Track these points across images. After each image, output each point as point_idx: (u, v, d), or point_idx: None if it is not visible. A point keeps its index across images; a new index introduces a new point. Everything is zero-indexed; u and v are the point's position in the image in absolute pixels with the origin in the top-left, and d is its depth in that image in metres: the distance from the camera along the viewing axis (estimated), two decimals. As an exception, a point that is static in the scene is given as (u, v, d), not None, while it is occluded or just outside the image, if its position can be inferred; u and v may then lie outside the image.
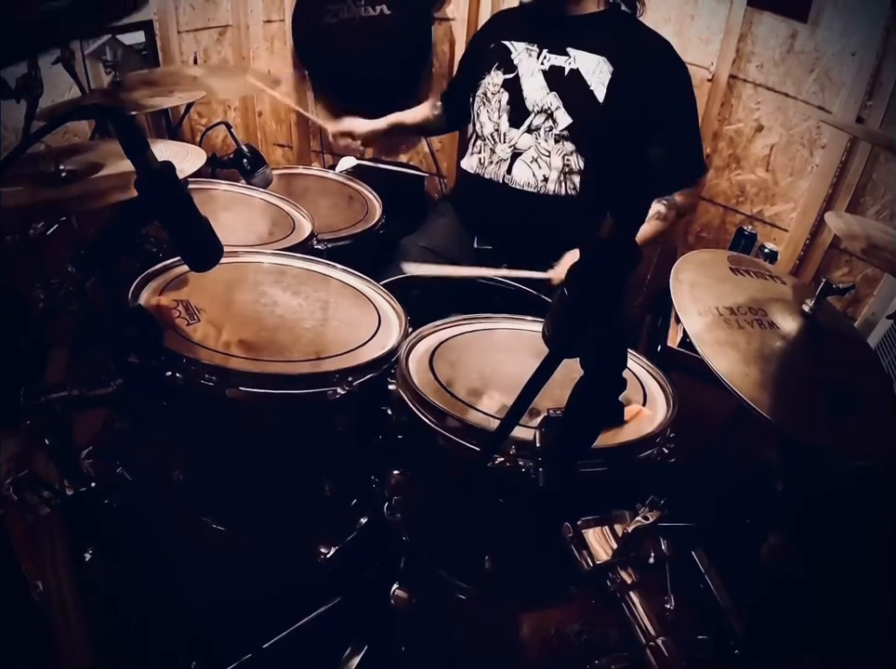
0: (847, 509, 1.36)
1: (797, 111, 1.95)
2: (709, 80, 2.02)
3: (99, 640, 1.14)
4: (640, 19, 1.75)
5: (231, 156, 1.77)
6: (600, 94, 1.63)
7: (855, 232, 1.20)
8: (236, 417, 1.13)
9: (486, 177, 1.77)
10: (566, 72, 1.65)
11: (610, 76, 1.62)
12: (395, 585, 1.13)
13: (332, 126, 2.03)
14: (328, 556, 1.20)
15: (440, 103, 2.06)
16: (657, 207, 1.69)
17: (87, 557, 1.20)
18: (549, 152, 1.68)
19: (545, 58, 1.68)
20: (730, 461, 1.39)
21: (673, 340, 1.72)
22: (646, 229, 1.68)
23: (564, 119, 1.65)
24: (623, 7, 1.73)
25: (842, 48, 1.82)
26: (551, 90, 1.66)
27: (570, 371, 0.71)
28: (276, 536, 1.25)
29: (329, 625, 1.23)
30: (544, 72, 1.67)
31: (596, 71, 1.63)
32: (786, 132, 1.99)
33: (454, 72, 2.17)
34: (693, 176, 1.75)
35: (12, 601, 1.02)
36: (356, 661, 1.15)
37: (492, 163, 1.75)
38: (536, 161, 1.69)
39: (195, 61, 2.40)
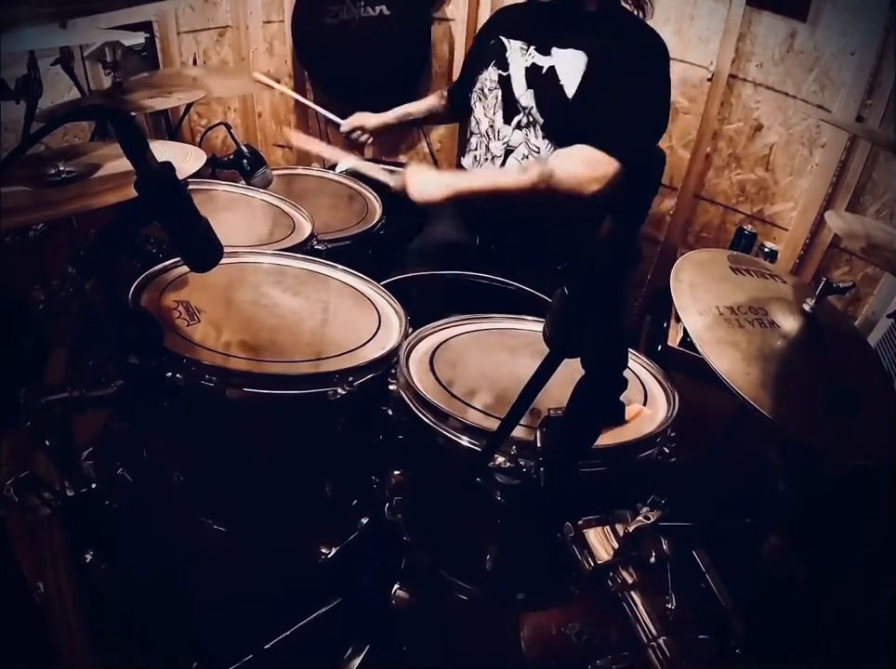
0: (847, 509, 1.36)
1: (796, 110, 1.95)
2: (709, 79, 2.02)
3: (100, 641, 1.14)
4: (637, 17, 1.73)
5: (231, 157, 1.77)
6: (570, 88, 1.60)
7: (855, 231, 1.20)
8: (236, 418, 1.13)
9: None
10: (543, 71, 1.64)
11: (584, 68, 1.58)
12: (396, 586, 1.13)
13: (344, 124, 2.03)
14: (329, 556, 1.20)
15: (446, 94, 2.08)
16: (525, 163, 1.65)
17: (88, 557, 1.19)
18: (539, 149, 1.67)
19: (530, 55, 1.67)
20: (730, 460, 1.39)
21: (673, 340, 1.72)
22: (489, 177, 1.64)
23: (538, 117, 1.65)
24: (625, 5, 1.71)
25: (842, 48, 1.82)
26: (528, 88, 1.66)
27: (571, 371, 0.71)
28: (277, 537, 1.24)
29: (330, 626, 1.23)
30: (526, 69, 1.67)
31: (571, 65, 1.60)
32: (786, 131, 1.99)
33: (462, 68, 2.16)
34: (614, 152, 1.50)
35: (13, 602, 1.02)
36: (357, 661, 1.15)
37: (487, 159, 1.75)
38: (527, 157, 1.69)
39: (195, 62, 2.40)
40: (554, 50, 1.64)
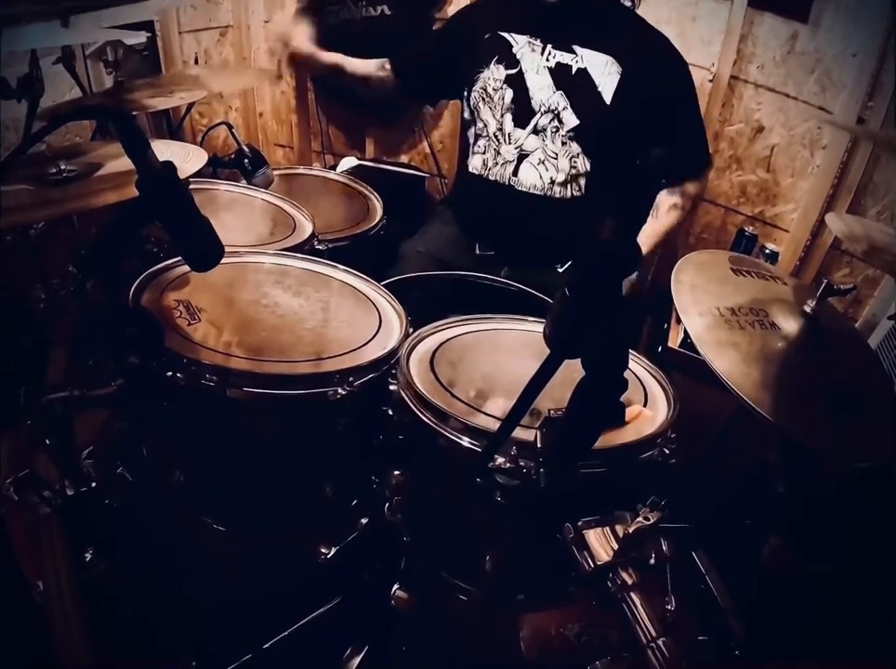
0: (847, 510, 1.36)
1: (797, 111, 1.95)
2: (710, 81, 2.02)
3: (99, 640, 1.14)
4: (641, 16, 1.74)
5: (232, 156, 1.77)
6: (608, 94, 1.60)
7: (856, 233, 1.20)
8: (237, 417, 1.13)
9: (491, 178, 1.72)
10: (573, 71, 1.61)
11: (619, 77, 1.59)
12: (395, 586, 1.13)
13: (272, 24, 1.85)
14: (329, 556, 1.20)
15: (388, 66, 1.89)
16: (672, 199, 1.70)
17: (88, 556, 1.20)
18: (557, 154, 1.64)
19: (550, 54, 1.62)
20: (730, 462, 1.39)
21: (674, 341, 1.72)
22: (666, 222, 1.72)
23: (571, 120, 1.62)
24: (623, 1, 1.71)
25: (843, 49, 1.82)
26: (558, 89, 1.61)
27: (571, 371, 0.71)
28: (276, 536, 1.24)
29: (329, 626, 1.23)
30: (550, 69, 1.62)
31: (604, 71, 1.59)
32: (787, 133, 1.99)
33: (430, 49, 1.95)
34: (700, 167, 1.76)
35: (12, 601, 1.02)
36: (356, 661, 1.15)
37: (497, 164, 1.71)
38: (544, 163, 1.66)
39: (196, 62, 2.40)
40: (577, 49, 1.61)
